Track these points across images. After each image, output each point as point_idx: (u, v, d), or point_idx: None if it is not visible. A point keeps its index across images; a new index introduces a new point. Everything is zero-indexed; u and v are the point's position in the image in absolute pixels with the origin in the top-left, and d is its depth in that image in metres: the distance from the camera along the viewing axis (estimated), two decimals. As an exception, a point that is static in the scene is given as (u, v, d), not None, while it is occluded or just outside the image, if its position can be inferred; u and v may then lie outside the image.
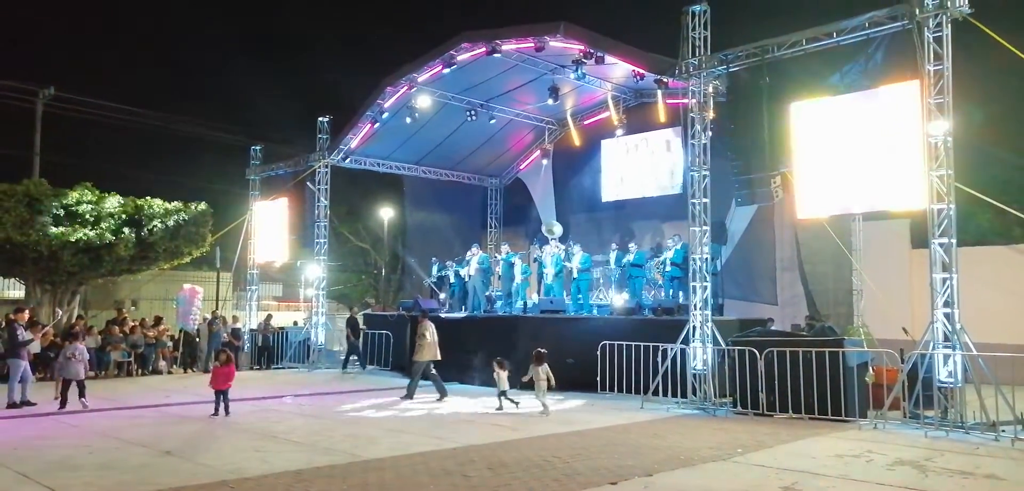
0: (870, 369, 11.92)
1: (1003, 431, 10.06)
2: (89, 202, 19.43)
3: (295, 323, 24.01)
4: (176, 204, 21.13)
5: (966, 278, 11.20)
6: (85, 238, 18.83)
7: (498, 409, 12.80)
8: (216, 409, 12.16)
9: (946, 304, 10.88)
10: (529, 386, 12.88)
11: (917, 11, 11.24)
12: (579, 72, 17.36)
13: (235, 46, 53.51)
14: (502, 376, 13.04)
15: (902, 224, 17.30)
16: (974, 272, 13.46)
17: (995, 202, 13.97)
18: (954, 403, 10.71)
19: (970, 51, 12.19)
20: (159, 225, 20.16)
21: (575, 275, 18.14)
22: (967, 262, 11.66)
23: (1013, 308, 15.54)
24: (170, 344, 20.05)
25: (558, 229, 20.02)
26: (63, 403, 12.61)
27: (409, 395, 14.15)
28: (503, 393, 12.95)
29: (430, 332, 14.61)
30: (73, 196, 19.49)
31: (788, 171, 13.04)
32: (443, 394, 14.26)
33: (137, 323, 19.51)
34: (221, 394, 12.23)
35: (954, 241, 10.95)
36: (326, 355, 21.64)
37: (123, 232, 19.54)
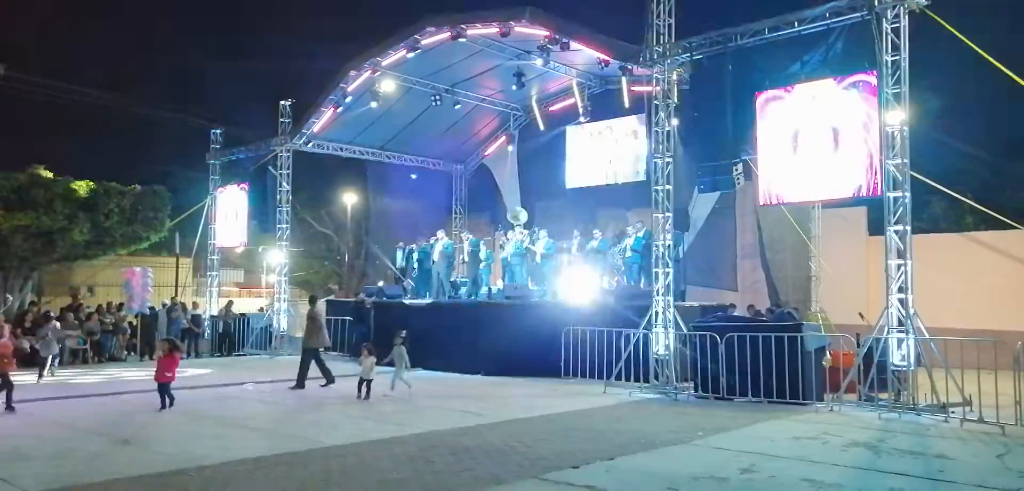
0: (827, 353, 12.15)
1: (953, 413, 10.37)
2: (42, 185, 18.92)
3: (261, 310, 23.71)
4: (133, 187, 20.67)
5: (920, 264, 11.48)
6: (37, 222, 18.32)
7: (363, 397, 12.23)
8: (163, 404, 11.11)
9: (900, 290, 11.15)
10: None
11: (876, 2, 11.45)
12: (544, 58, 17.35)
13: (195, 28, 52.38)
14: (369, 363, 12.50)
15: (859, 212, 17.66)
16: (927, 259, 13.79)
17: (949, 190, 14.36)
18: (907, 386, 11.00)
19: (927, 43, 12.46)
20: (115, 208, 19.68)
21: (539, 261, 18.19)
22: (921, 249, 11.95)
23: (964, 293, 15.97)
24: (128, 330, 19.66)
25: (523, 215, 20.04)
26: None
27: (322, 380, 13.75)
28: (368, 382, 12.36)
29: (323, 317, 14.58)
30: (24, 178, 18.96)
31: (751, 159, 13.21)
32: (301, 385, 13.64)
33: (94, 310, 19.09)
34: (164, 388, 11.16)
35: (909, 228, 11.21)
36: (288, 341, 21.41)
37: (78, 216, 19.05)
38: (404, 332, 13.40)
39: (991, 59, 11.68)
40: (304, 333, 14.33)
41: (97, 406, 11.67)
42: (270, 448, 8.47)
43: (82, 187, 19.61)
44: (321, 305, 14.70)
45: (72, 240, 19.17)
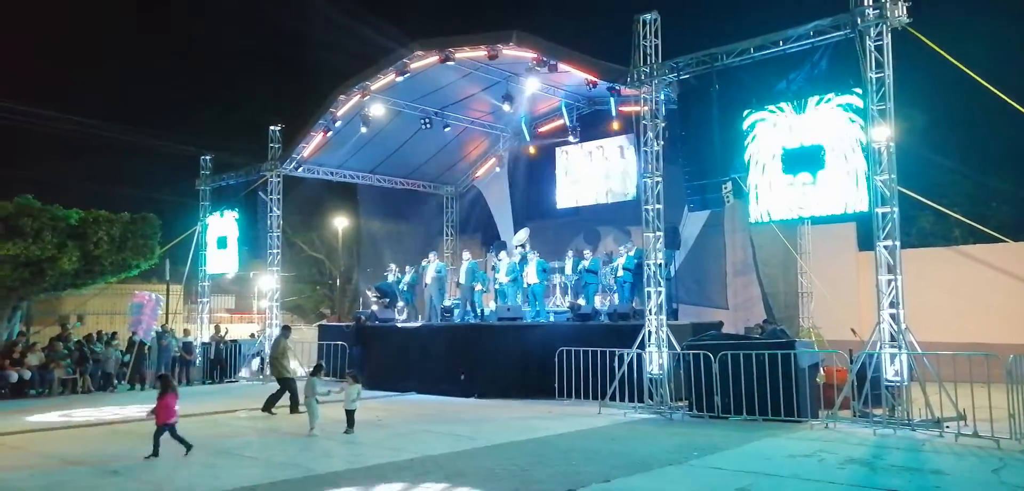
0: (821, 370, 12.16)
1: (947, 427, 10.39)
2: (30, 213, 18.74)
3: (252, 336, 23.53)
4: (123, 215, 20.50)
5: (910, 279, 11.54)
6: (26, 251, 18.14)
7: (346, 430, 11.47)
8: (156, 449, 9.56)
9: (891, 305, 11.18)
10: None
11: (859, 21, 11.59)
12: (533, 80, 17.43)
13: (184, 53, 52.41)
14: (353, 390, 11.64)
15: (848, 228, 17.75)
16: (917, 273, 13.87)
17: (936, 205, 14.46)
18: (901, 401, 11.01)
19: (911, 60, 12.61)
20: (105, 236, 19.52)
21: (529, 283, 18.17)
22: (910, 263, 12.01)
23: (954, 307, 16.05)
24: (120, 357, 19.46)
25: (524, 236, 20.14)
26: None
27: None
28: (351, 412, 11.52)
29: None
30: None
31: (739, 177, 13.27)
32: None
33: (83, 339, 18.91)
34: (167, 429, 9.61)
35: (898, 243, 11.27)
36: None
37: (67, 245, 18.87)
38: (321, 364, 13.25)
39: (974, 75, 11.81)
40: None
41: (86, 436, 11.53)
42: (264, 477, 8.39)
43: (71, 215, 19.43)
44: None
45: (61, 269, 18.94)
